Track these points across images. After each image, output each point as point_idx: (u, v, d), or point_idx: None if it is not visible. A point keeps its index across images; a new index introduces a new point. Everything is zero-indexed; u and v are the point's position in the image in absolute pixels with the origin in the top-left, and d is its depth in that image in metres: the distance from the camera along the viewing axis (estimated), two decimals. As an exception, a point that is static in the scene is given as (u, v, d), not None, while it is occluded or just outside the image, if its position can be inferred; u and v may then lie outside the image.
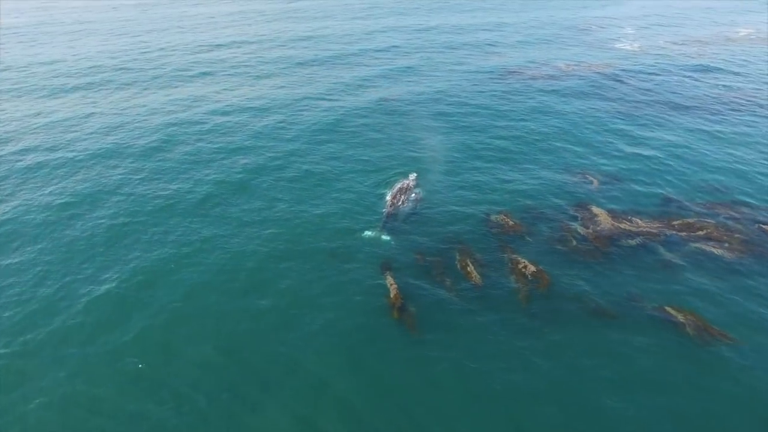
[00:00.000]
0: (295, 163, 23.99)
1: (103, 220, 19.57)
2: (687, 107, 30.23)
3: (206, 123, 28.83)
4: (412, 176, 22.01)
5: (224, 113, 30.41)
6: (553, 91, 33.03)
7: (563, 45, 44.85)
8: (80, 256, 17.53)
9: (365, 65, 39.49)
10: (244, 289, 15.91)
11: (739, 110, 29.71)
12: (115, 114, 30.40)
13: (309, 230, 18.73)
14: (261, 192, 21.53)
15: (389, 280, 15.73)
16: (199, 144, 26.15)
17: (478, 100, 31.94)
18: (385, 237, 18.26)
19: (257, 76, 37.36)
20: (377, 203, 20.53)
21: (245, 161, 24.20)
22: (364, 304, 15.12)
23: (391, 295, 15.04)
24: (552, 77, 35.60)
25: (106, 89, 34.60)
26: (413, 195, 20.78)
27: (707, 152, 24.53)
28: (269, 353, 13.67)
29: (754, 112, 29.56)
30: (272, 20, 58.28)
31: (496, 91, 33.39)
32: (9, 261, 17.39)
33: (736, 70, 37.32)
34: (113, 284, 16.04)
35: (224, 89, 34.59)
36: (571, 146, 25.24)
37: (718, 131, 26.88)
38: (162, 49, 45.17)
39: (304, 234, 18.50)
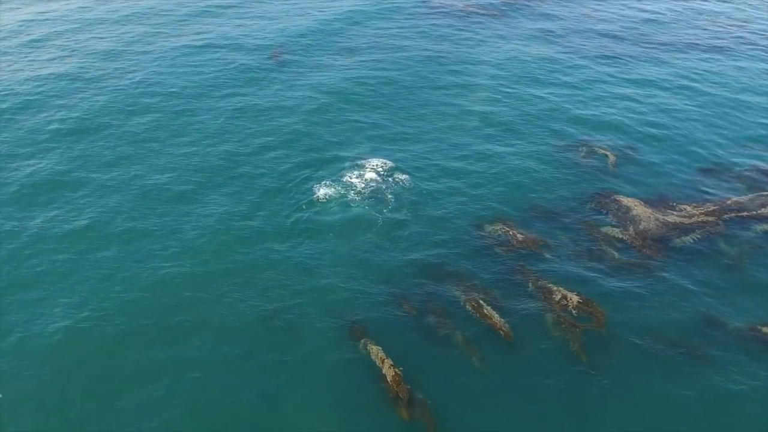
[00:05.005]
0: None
1: None
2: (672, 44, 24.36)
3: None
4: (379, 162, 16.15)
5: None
6: (488, 32, 23.62)
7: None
8: None
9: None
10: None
11: (730, 40, 24.31)
12: None
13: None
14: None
15: (375, 352, 10.44)
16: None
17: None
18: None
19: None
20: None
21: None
22: (344, 402, 9.83)
23: (389, 380, 9.85)
24: (475, 14, 25.45)
25: None
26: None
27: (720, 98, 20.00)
28: None
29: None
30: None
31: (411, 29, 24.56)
32: None
33: None
34: None
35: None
36: (554, 104, 18.96)
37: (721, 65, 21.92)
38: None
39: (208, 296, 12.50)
